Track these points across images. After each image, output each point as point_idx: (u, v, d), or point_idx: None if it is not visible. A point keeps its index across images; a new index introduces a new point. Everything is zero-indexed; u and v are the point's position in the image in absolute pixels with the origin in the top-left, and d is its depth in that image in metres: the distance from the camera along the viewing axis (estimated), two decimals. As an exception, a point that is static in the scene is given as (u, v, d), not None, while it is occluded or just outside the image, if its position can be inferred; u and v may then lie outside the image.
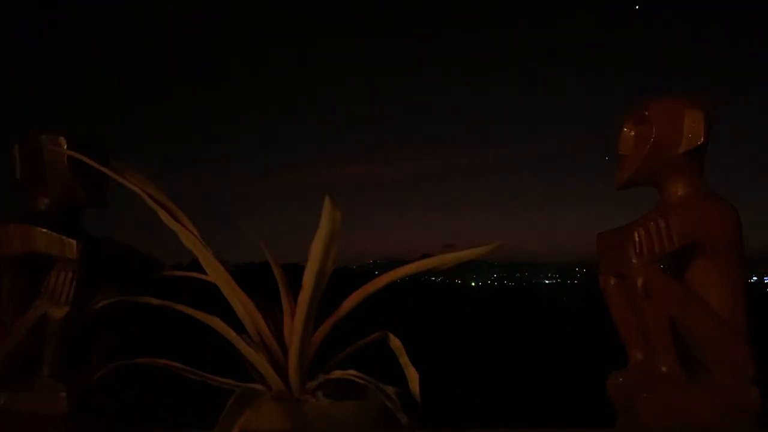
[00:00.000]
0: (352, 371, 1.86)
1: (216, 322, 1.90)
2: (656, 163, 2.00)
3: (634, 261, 1.88)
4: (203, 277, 1.98)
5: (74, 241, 2.04)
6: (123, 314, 2.18)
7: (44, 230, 2.05)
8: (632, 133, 2.05)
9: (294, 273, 1.89)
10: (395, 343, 2.00)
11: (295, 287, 1.87)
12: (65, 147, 2.11)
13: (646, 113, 2.01)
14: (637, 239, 1.88)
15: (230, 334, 1.89)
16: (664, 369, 1.88)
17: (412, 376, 1.96)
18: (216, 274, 1.94)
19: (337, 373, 1.88)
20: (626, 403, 1.98)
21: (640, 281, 1.87)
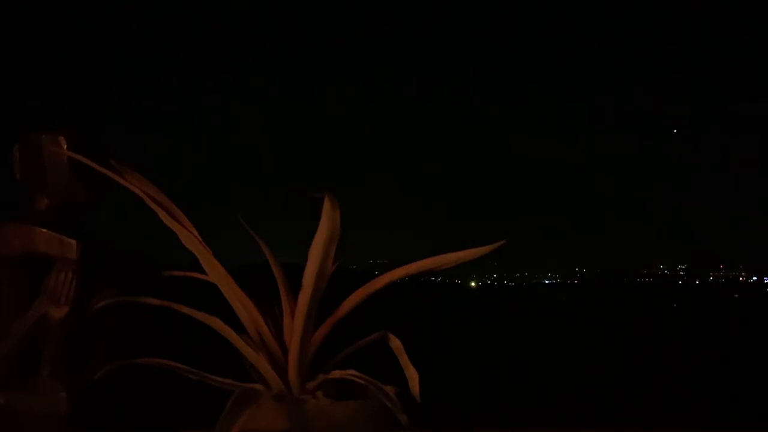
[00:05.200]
0: (352, 371, 1.86)
1: (216, 322, 1.90)
2: None
3: None
4: (203, 277, 1.98)
5: (74, 241, 2.04)
6: (123, 314, 2.17)
7: (44, 230, 2.05)
8: None
9: (294, 273, 1.89)
10: (395, 343, 2.00)
11: (295, 287, 1.88)
12: (65, 147, 2.11)
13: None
14: None
15: (230, 334, 1.89)
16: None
17: (412, 376, 1.95)
18: (216, 274, 1.94)
19: (337, 373, 1.88)
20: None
21: None
